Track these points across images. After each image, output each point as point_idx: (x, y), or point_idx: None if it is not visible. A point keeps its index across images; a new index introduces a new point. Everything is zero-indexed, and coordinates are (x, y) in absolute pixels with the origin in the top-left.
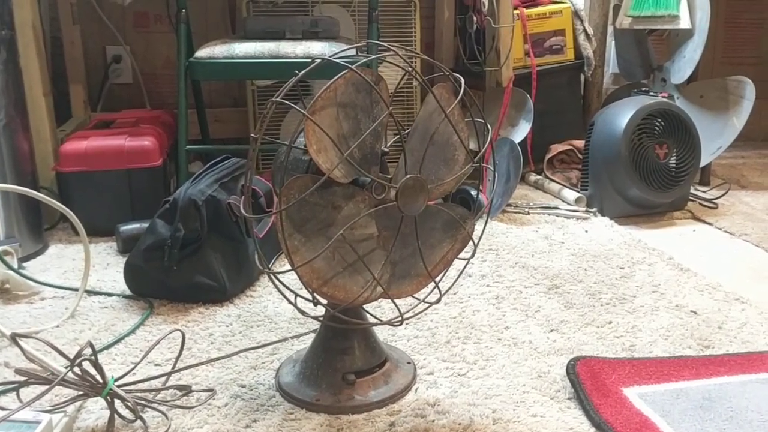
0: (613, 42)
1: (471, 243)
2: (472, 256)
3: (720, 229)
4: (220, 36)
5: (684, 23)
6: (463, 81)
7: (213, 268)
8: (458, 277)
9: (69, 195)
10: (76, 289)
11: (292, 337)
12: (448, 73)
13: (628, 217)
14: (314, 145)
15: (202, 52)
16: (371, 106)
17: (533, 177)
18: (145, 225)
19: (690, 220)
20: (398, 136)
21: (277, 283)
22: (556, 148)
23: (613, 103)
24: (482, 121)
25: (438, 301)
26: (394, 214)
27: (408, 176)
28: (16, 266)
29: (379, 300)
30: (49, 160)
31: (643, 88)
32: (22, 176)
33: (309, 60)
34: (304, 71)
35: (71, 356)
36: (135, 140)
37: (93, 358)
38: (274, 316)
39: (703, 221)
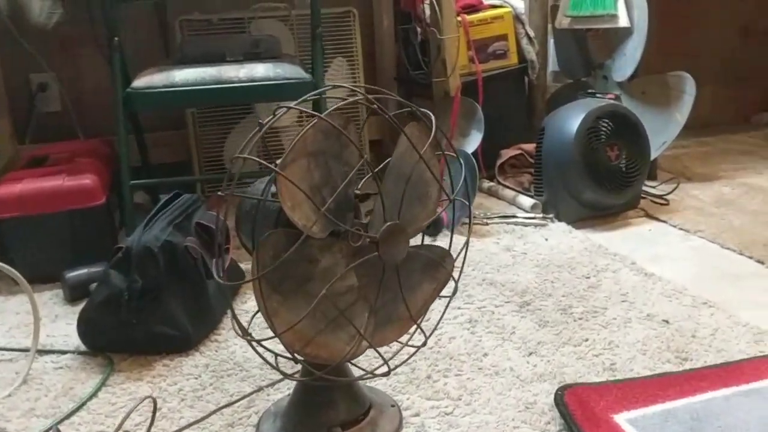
0: (553, 41)
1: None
2: (454, 294)
3: (675, 226)
4: (153, 59)
5: (623, 22)
6: (434, 119)
7: (174, 316)
8: (441, 318)
9: (5, 242)
10: (26, 350)
11: (268, 386)
12: (416, 110)
13: (584, 220)
14: (288, 202)
15: (140, 82)
16: (341, 151)
17: (486, 184)
18: (94, 270)
19: (644, 218)
20: (368, 177)
21: (260, 350)
22: (507, 153)
23: (562, 107)
24: (454, 155)
25: (424, 344)
26: (375, 263)
27: (388, 223)
28: None
29: None
30: None
31: (590, 90)
32: None
33: (256, 83)
34: (267, 123)
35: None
36: (74, 179)
37: None
38: (243, 362)
39: (657, 219)
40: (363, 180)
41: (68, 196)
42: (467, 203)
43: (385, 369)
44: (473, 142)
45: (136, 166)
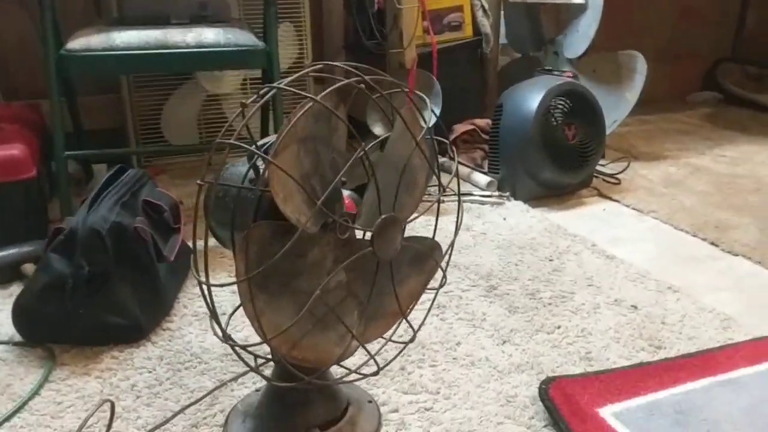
0: (502, 14)
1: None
2: (441, 285)
3: (628, 206)
4: (82, 18)
5: None
6: (428, 100)
7: (124, 304)
8: (428, 313)
9: None
10: None
11: (231, 380)
12: (405, 90)
13: (540, 199)
14: (280, 194)
15: (75, 44)
16: (330, 135)
17: (440, 159)
18: (24, 250)
19: (597, 198)
20: (358, 167)
21: (243, 354)
22: (459, 128)
23: (520, 84)
24: (447, 141)
25: (412, 339)
26: (366, 258)
27: (383, 216)
28: None
29: None
30: None
31: (546, 67)
32: None
33: (205, 49)
34: (254, 107)
35: None
36: (2, 150)
37: None
38: (201, 353)
39: (610, 198)
40: (346, 164)
41: None
42: (456, 193)
43: (373, 368)
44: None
45: (67, 132)
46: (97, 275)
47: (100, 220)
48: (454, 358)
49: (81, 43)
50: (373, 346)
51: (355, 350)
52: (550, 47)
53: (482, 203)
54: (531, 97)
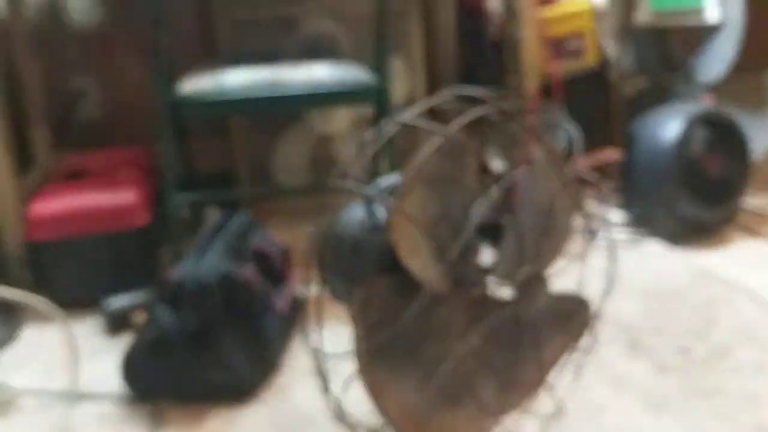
0: (631, 40)
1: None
2: (591, 347)
3: None
4: (194, 58)
5: (712, 17)
6: (572, 134)
7: (230, 358)
8: (574, 379)
9: (41, 266)
10: (61, 393)
11: None
12: (563, 127)
13: (681, 237)
14: (404, 246)
15: (188, 87)
16: (460, 175)
17: None
18: (135, 297)
19: (745, 234)
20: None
21: None
22: (585, 163)
23: (654, 113)
24: (593, 180)
25: (558, 413)
26: (505, 318)
27: (524, 269)
28: None
29: None
30: (11, 220)
31: (682, 93)
32: None
33: (316, 89)
34: (376, 144)
35: None
36: (116, 195)
37: None
38: (313, 413)
39: (762, 236)
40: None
41: (110, 216)
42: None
43: None
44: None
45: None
46: (204, 330)
47: (209, 272)
48: (599, 428)
49: (193, 87)
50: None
51: (490, 430)
52: (682, 72)
53: (622, 242)
54: (667, 125)
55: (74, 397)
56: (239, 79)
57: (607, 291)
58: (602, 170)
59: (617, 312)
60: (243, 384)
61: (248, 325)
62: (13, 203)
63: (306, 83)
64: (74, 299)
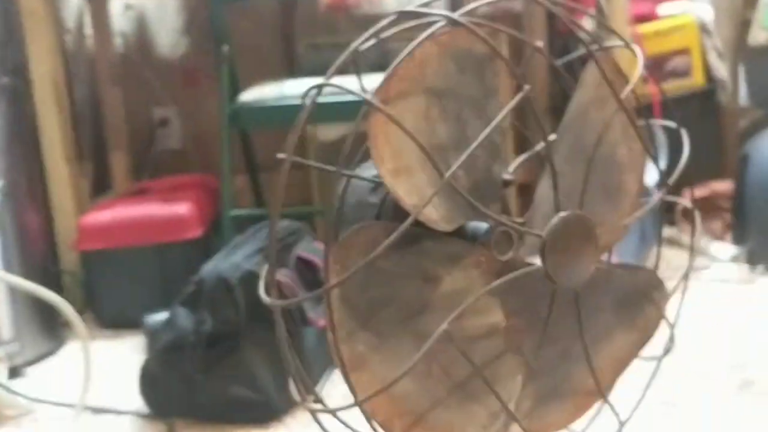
0: (745, 62)
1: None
2: (668, 351)
3: None
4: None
5: None
6: (640, 52)
7: (255, 374)
8: (645, 392)
9: (92, 278)
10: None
11: None
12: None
13: None
14: (388, 162)
15: (249, 95)
16: (485, 98)
17: (666, 232)
18: None
19: None
20: (534, 150)
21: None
22: (692, 194)
23: None
24: (673, 124)
25: None
26: (536, 288)
27: (562, 213)
28: (4, 376)
29: None
30: (70, 236)
31: None
32: (28, 257)
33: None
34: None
35: None
36: (167, 207)
37: None
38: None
39: None
40: (520, 158)
41: (159, 227)
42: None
43: None
44: (654, 172)
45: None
46: (222, 334)
47: (230, 268)
48: None
49: (254, 94)
50: None
51: None
52: None
53: (724, 281)
54: None
55: (88, 411)
56: (301, 85)
57: (690, 263)
58: (713, 203)
59: (724, 350)
60: (266, 403)
61: (274, 344)
62: (77, 220)
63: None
64: (123, 315)
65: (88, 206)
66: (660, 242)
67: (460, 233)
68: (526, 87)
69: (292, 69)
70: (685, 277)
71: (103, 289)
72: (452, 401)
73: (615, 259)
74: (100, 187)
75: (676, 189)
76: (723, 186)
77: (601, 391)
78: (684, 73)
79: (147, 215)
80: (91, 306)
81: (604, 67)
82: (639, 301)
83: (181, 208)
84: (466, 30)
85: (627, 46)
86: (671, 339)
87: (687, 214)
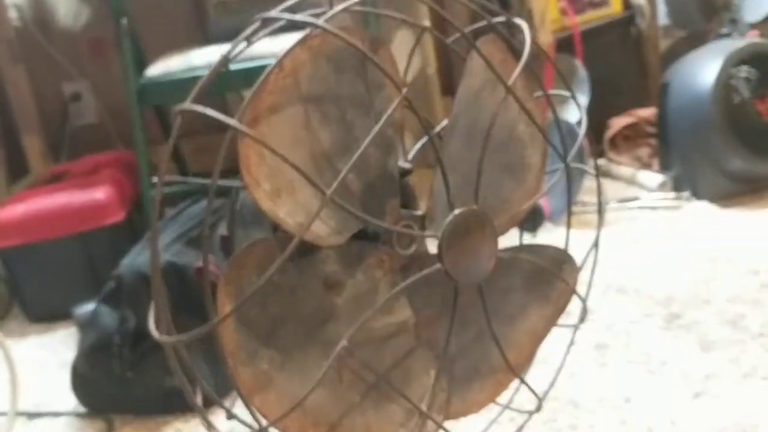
0: None
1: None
2: (582, 320)
3: None
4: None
5: None
6: (527, 28)
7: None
8: (561, 366)
9: (15, 275)
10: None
11: None
12: (503, 18)
13: (732, 197)
14: (264, 184)
15: (156, 69)
16: (369, 95)
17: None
18: None
19: None
20: (425, 141)
21: None
22: (618, 123)
23: (689, 56)
24: (568, 94)
25: (538, 409)
26: (442, 280)
27: (456, 212)
28: None
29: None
30: None
31: (722, 32)
32: None
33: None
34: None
35: None
36: (85, 194)
37: None
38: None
39: None
40: (418, 145)
41: (79, 216)
42: (586, 170)
43: None
44: (575, 109)
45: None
46: (148, 330)
47: (149, 262)
48: (622, 422)
49: (161, 68)
50: (490, 414)
51: (436, 430)
52: (724, 14)
53: (653, 209)
54: (705, 68)
55: (23, 417)
56: (209, 56)
57: (597, 237)
58: (639, 130)
59: (653, 284)
60: (202, 392)
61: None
62: None
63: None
64: (52, 309)
65: (6, 196)
66: (570, 212)
67: (361, 234)
68: (404, 90)
69: (203, 30)
70: (595, 245)
71: (28, 284)
72: (367, 404)
73: (544, 201)
74: (17, 172)
75: (603, 120)
76: (648, 112)
77: (515, 373)
78: (601, 2)
79: (64, 205)
80: (17, 302)
81: (493, 49)
82: (549, 277)
83: (99, 194)
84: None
85: (511, 23)
86: (584, 310)
87: (613, 144)
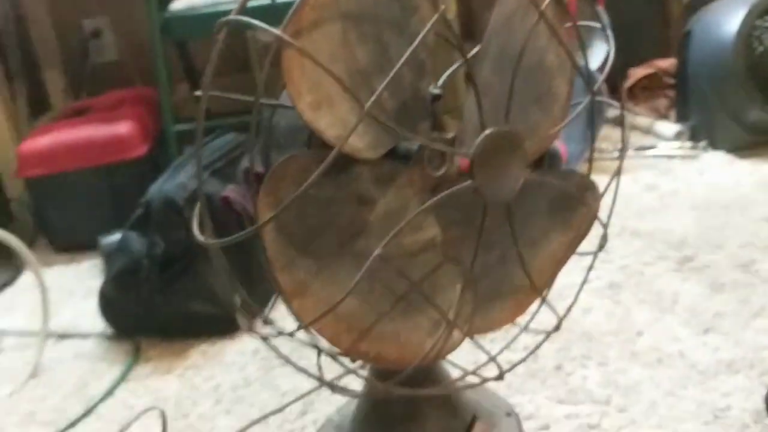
0: None
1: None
2: (602, 247)
3: None
4: None
5: None
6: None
7: (212, 288)
8: (581, 287)
9: (41, 205)
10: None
11: (327, 384)
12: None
13: (749, 148)
14: (306, 95)
15: (179, 3)
16: (404, 17)
17: (612, 112)
18: None
19: None
20: (458, 65)
21: (277, 347)
22: (637, 72)
23: (713, 5)
24: (599, 25)
25: (557, 328)
26: (470, 200)
27: (488, 131)
28: None
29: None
30: (11, 163)
31: None
32: None
33: None
34: None
35: None
36: (108, 127)
37: None
38: (302, 347)
39: None
40: (449, 71)
41: (103, 148)
42: (611, 103)
43: (494, 371)
44: (597, 54)
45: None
46: (175, 255)
47: (176, 189)
48: (633, 354)
49: (183, 2)
50: (500, 335)
51: (460, 342)
52: None
53: (670, 158)
54: (728, 17)
55: (53, 337)
56: None
57: (620, 164)
58: (657, 80)
59: (667, 228)
60: (227, 316)
61: (233, 251)
62: (13, 145)
63: None
64: (77, 239)
65: (28, 129)
66: (593, 144)
67: (392, 152)
68: (441, 8)
69: None
70: (617, 173)
71: (53, 214)
72: (396, 314)
73: (562, 146)
74: (38, 107)
75: (622, 70)
76: (667, 63)
77: (538, 292)
78: None
79: (88, 137)
80: (43, 232)
81: None
82: (572, 204)
83: (123, 128)
84: None
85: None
86: (604, 237)
87: (631, 94)
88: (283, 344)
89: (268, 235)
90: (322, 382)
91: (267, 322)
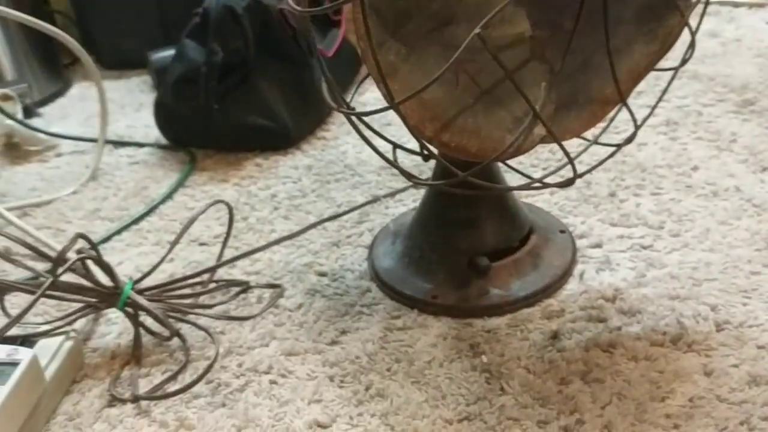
0: None
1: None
2: (685, 61)
3: None
4: None
5: None
6: None
7: (267, 102)
8: (658, 102)
9: (86, 18)
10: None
11: (387, 196)
12: None
13: None
14: None
15: None
16: None
17: None
18: None
19: None
20: None
21: (362, 128)
22: None
23: None
24: None
25: (631, 139)
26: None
27: None
28: (20, 115)
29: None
30: None
31: None
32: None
33: None
34: None
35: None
36: None
37: (94, 254)
38: (356, 165)
39: None
40: None
41: None
42: None
43: (568, 173)
44: None
45: None
46: (234, 65)
47: None
48: (688, 186)
49: None
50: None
51: (538, 141)
52: None
53: (736, 5)
54: None
55: (110, 145)
56: None
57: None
58: None
59: (728, 73)
60: (283, 130)
61: (287, 67)
62: None
63: None
64: (123, 55)
65: None
66: None
67: None
68: None
69: None
70: None
71: (100, 28)
72: (479, 107)
73: None
74: None
75: None
76: None
77: (620, 94)
78: None
79: None
80: (88, 48)
81: None
82: (660, 13)
83: None
84: None
85: None
86: (692, 45)
87: None
88: (360, 154)
89: (359, 14)
90: (401, 171)
91: (343, 103)
